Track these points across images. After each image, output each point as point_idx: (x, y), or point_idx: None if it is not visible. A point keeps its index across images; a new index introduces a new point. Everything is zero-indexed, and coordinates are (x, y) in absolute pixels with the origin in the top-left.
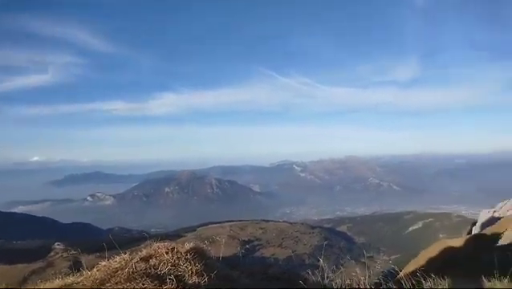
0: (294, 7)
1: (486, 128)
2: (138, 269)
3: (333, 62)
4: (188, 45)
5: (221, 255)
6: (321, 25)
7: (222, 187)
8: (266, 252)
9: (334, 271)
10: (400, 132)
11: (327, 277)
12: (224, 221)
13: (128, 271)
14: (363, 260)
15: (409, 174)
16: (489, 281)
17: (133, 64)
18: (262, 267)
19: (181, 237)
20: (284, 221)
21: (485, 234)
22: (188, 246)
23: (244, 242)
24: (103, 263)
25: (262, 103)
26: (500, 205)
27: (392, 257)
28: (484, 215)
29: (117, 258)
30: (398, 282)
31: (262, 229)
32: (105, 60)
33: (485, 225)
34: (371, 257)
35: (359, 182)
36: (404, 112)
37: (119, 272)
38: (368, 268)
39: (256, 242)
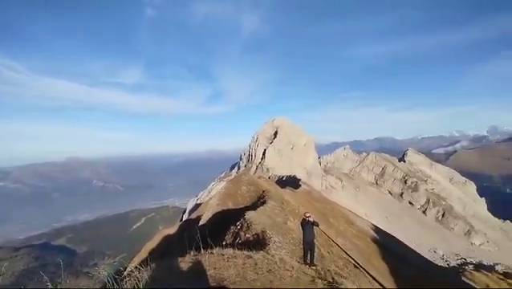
0: None
1: (196, 132)
2: None
3: (56, 51)
4: None
5: None
6: (47, 9)
7: None
8: None
9: None
10: (127, 132)
11: None
12: None
13: None
14: (86, 270)
15: (135, 173)
16: (183, 256)
17: None
18: None
19: None
20: None
21: (191, 219)
22: None
23: None
24: None
25: None
26: (201, 194)
27: (118, 258)
28: (191, 204)
29: None
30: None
31: None
32: None
33: (191, 211)
34: (95, 264)
35: (82, 186)
36: (131, 114)
37: None
38: (92, 277)
39: None
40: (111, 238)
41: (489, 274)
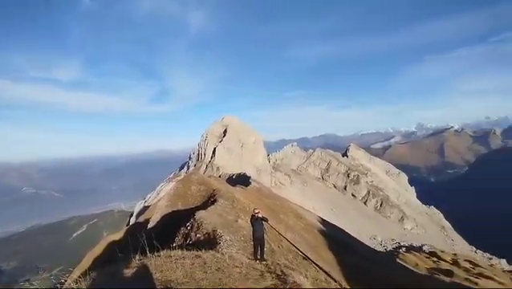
0: None
1: (142, 132)
2: None
3: None
4: None
5: None
6: None
7: None
8: None
9: None
10: (64, 133)
11: None
12: None
13: None
14: (15, 288)
15: (73, 178)
16: (128, 261)
17: None
18: None
19: None
20: None
21: (139, 222)
22: None
23: None
24: None
25: None
26: (149, 195)
27: (55, 271)
28: (138, 206)
29: None
30: None
31: None
32: None
33: (139, 214)
34: (28, 280)
35: (9, 194)
36: (68, 114)
37: None
38: None
39: None
40: (46, 250)
41: (418, 254)
